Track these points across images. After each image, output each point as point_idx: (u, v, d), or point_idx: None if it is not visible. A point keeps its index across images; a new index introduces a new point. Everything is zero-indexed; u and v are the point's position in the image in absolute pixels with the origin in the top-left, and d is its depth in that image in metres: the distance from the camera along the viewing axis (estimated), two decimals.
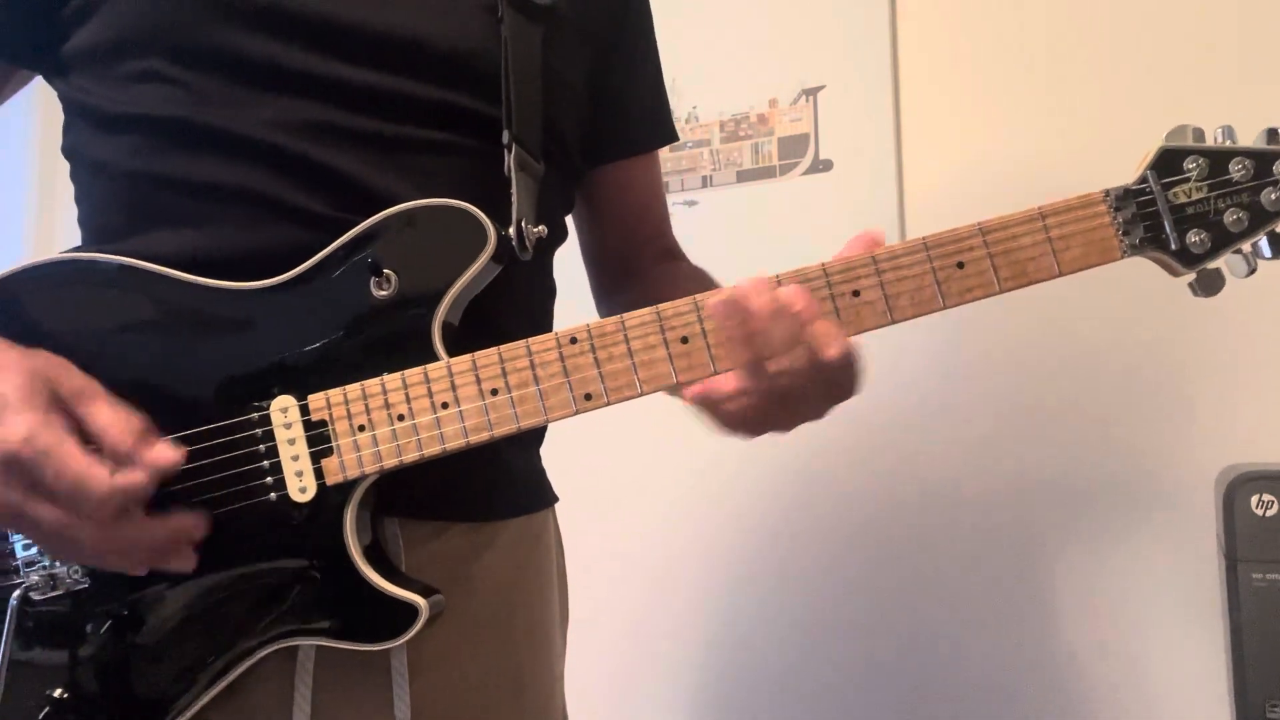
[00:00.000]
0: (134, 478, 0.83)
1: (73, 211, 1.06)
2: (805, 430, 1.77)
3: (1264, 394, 1.57)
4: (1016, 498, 1.72)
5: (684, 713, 1.94)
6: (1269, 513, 1.34)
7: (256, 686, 0.94)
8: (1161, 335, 1.64)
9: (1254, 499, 1.35)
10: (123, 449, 0.84)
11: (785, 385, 0.86)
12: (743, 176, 1.97)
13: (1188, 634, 1.59)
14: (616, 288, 1.30)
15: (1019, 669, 1.70)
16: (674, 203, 1.97)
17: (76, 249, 0.98)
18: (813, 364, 0.85)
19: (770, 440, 1.78)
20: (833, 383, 0.88)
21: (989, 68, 1.78)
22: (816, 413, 0.91)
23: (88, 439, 0.84)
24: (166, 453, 0.85)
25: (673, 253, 1.31)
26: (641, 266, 1.28)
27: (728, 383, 0.87)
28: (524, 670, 1.08)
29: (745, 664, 1.90)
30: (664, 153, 1.97)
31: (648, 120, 1.28)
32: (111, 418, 0.85)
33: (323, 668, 0.96)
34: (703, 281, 1.21)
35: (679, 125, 1.98)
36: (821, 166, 1.90)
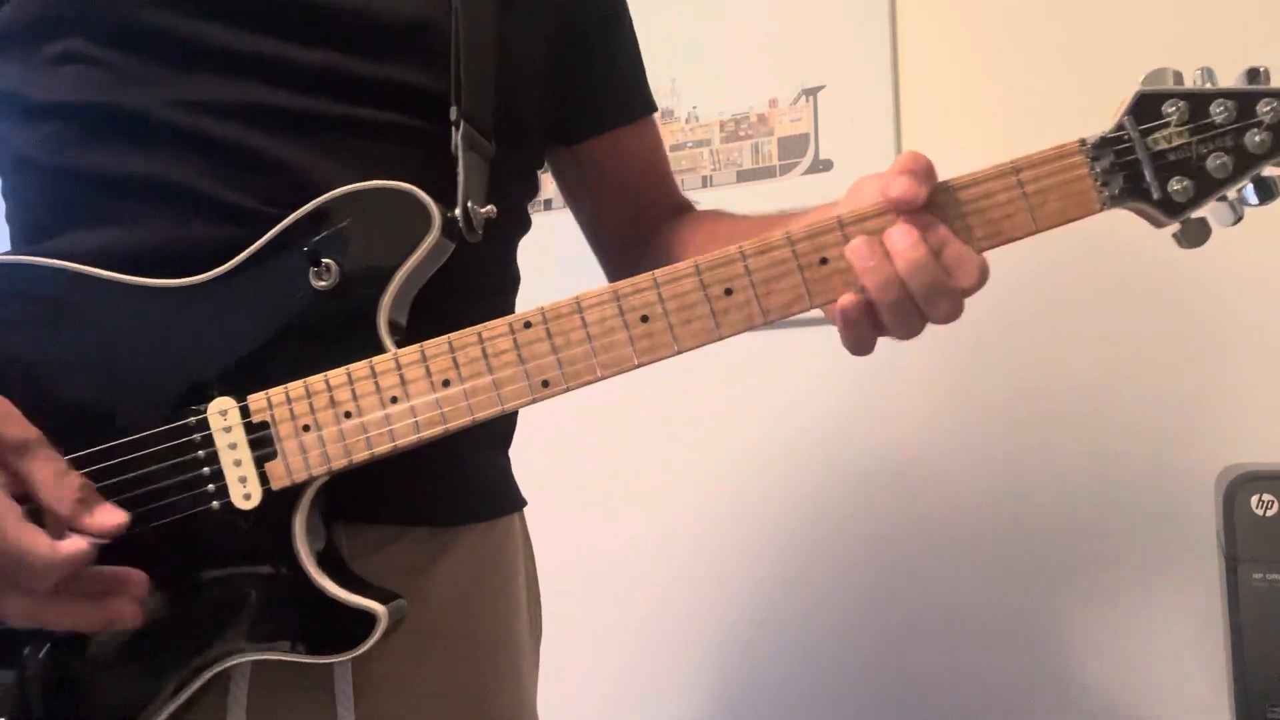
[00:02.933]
0: (77, 546, 0.78)
1: None
2: (807, 433, 1.77)
3: (1264, 394, 1.55)
4: (1016, 499, 1.69)
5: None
6: (1269, 513, 1.31)
7: (188, 713, 0.88)
8: (1162, 335, 1.61)
9: (1254, 499, 1.31)
10: (63, 513, 0.79)
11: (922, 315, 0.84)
12: (743, 176, 1.94)
13: (1188, 634, 1.58)
14: (628, 262, 1.23)
15: (1019, 668, 1.69)
16: None
17: (5, 253, 0.93)
18: (951, 291, 0.83)
19: (774, 445, 1.79)
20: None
21: (989, 67, 1.75)
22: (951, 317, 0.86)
23: (26, 495, 0.79)
24: (108, 517, 0.81)
25: (682, 209, 1.25)
26: (650, 230, 1.22)
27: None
28: (487, 685, 1.02)
29: (749, 684, 1.87)
30: None
31: (630, 90, 1.21)
32: (53, 481, 0.79)
33: (258, 692, 0.90)
34: (717, 221, 1.16)
35: (679, 125, 1.96)
36: (821, 166, 1.87)
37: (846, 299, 0.83)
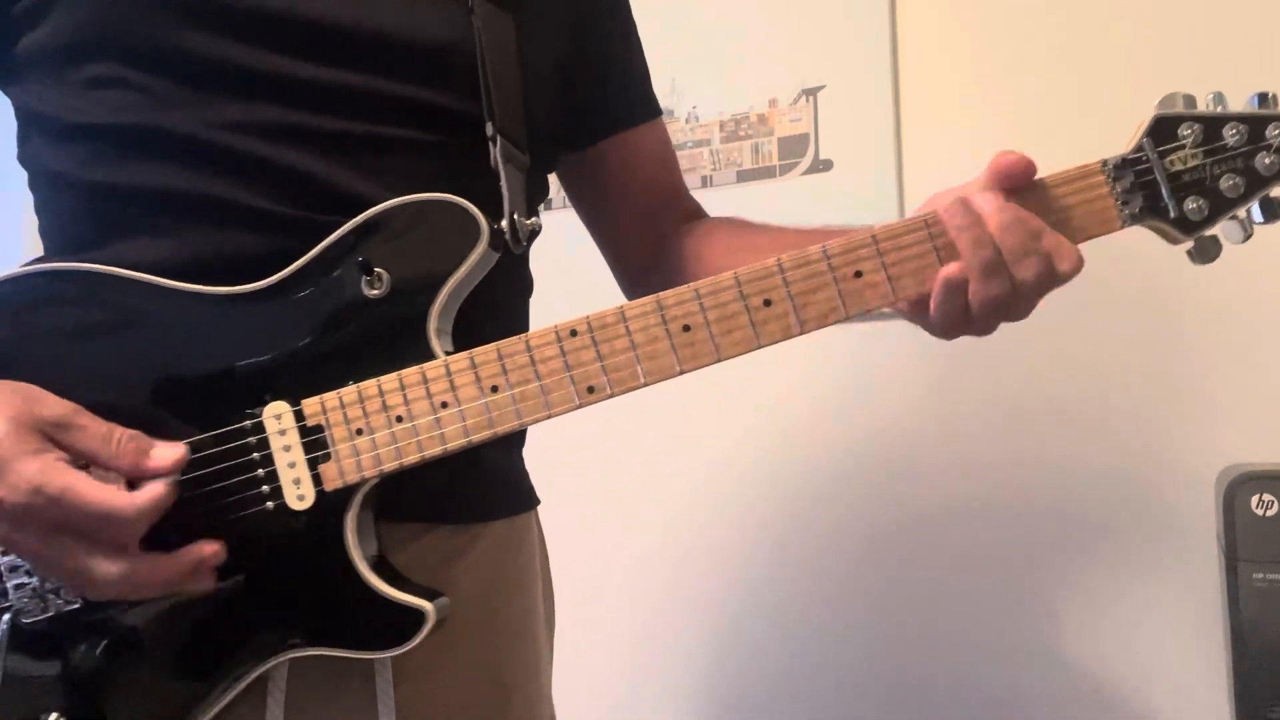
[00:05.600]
0: (155, 491, 0.82)
1: None
2: (810, 432, 1.79)
3: (1264, 394, 1.56)
4: (1017, 498, 1.70)
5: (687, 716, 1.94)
6: (1269, 513, 1.32)
7: (228, 707, 0.92)
8: (1161, 335, 1.63)
9: (1254, 499, 1.33)
10: (124, 466, 0.83)
11: (1015, 291, 0.87)
12: (743, 176, 1.95)
13: (1188, 634, 1.58)
14: (643, 273, 1.25)
15: (1019, 669, 1.70)
16: None
17: (60, 259, 0.95)
18: (1050, 274, 0.86)
19: (778, 447, 1.81)
20: (1049, 287, 0.88)
21: (989, 67, 1.77)
22: (1024, 314, 0.91)
23: (84, 465, 0.83)
24: (168, 454, 0.84)
25: (696, 213, 1.28)
26: (663, 238, 1.24)
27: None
28: (507, 675, 1.06)
29: (749, 670, 1.89)
30: None
31: (638, 93, 1.25)
32: (102, 442, 0.83)
33: (296, 681, 0.94)
34: (733, 233, 1.19)
35: (679, 125, 1.98)
36: (821, 166, 1.88)
37: (951, 268, 0.87)
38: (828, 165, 1.88)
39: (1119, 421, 1.64)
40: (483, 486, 1.06)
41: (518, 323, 1.11)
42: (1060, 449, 1.68)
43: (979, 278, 0.86)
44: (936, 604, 1.76)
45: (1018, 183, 0.88)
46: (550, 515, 1.21)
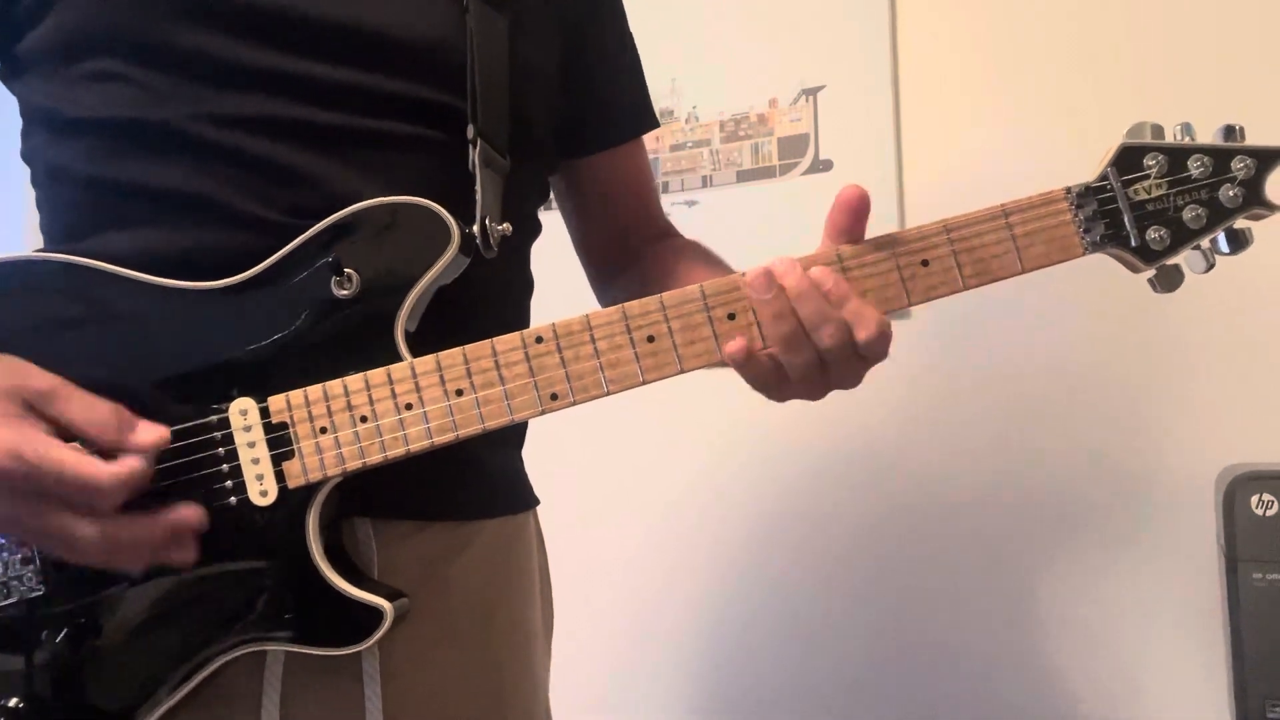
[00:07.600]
0: (132, 464, 0.83)
1: None
2: (805, 433, 1.79)
3: (1264, 394, 1.57)
4: (1017, 498, 1.71)
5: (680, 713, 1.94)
6: (1269, 513, 1.33)
7: (224, 692, 0.93)
8: (1161, 335, 1.63)
9: (1254, 499, 1.34)
10: (107, 439, 0.84)
11: (820, 360, 0.88)
12: (743, 176, 1.96)
13: (1188, 634, 1.59)
14: (613, 275, 1.28)
15: (1016, 668, 1.70)
16: (674, 202, 1.98)
17: (37, 250, 0.97)
18: (849, 343, 0.87)
19: (770, 446, 1.82)
20: (866, 356, 0.89)
21: (989, 68, 1.78)
22: (852, 382, 0.91)
23: (67, 437, 0.83)
24: (150, 433, 0.85)
25: (667, 233, 1.30)
26: (637, 249, 1.26)
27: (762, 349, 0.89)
28: (504, 672, 1.07)
29: (741, 666, 1.90)
30: (664, 152, 1.99)
31: (628, 108, 1.26)
32: (86, 412, 0.84)
33: (291, 673, 0.95)
34: (699, 255, 1.20)
35: (679, 125, 1.99)
36: (821, 166, 1.89)
37: (731, 345, 0.88)
38: (827, 165, 1.89)
39: (1119, 421, 1.65)
40: (481, 484, 1.07)
41: (518, 323, 1.10)
42: (1060, 448, 1.69)
43: (783, 350, 0.88)
44: (931, 602, 1.76)
45: (857, 215, 0.89)
46: (544, 514, 1.21)
